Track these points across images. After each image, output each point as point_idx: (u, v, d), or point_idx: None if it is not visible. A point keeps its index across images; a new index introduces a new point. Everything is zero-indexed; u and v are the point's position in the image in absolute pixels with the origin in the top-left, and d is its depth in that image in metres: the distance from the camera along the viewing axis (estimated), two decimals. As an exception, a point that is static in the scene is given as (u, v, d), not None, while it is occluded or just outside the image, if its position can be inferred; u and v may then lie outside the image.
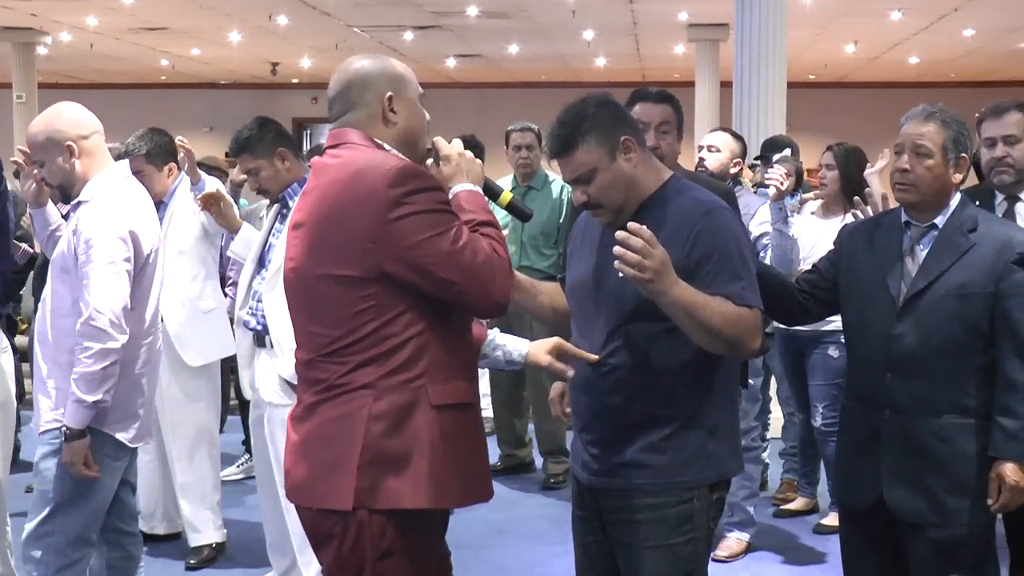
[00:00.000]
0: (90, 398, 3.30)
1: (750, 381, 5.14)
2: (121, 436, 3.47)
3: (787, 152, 6.08)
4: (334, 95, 2.61)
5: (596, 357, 2.70)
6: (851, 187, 5.14)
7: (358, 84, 2.59)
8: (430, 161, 2.69)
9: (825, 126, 16.60)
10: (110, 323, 3.31)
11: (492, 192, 2.77)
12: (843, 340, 5.05)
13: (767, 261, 4.79)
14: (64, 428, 3.33)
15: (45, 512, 3.43)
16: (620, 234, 2.47)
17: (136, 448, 3.66)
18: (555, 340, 2.76)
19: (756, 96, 7.70)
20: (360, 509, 2.42)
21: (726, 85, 11.09)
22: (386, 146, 2.56)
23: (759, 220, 5.04)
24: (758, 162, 6.45)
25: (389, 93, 2.57)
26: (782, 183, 4.60)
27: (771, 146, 6.35)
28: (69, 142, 3.46)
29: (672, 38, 15.06)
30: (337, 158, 2.54)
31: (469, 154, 2.68)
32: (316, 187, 2.55)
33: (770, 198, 4.68)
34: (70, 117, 3.51)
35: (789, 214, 4.76)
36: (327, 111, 2.65)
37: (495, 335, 2.76)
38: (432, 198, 2.45)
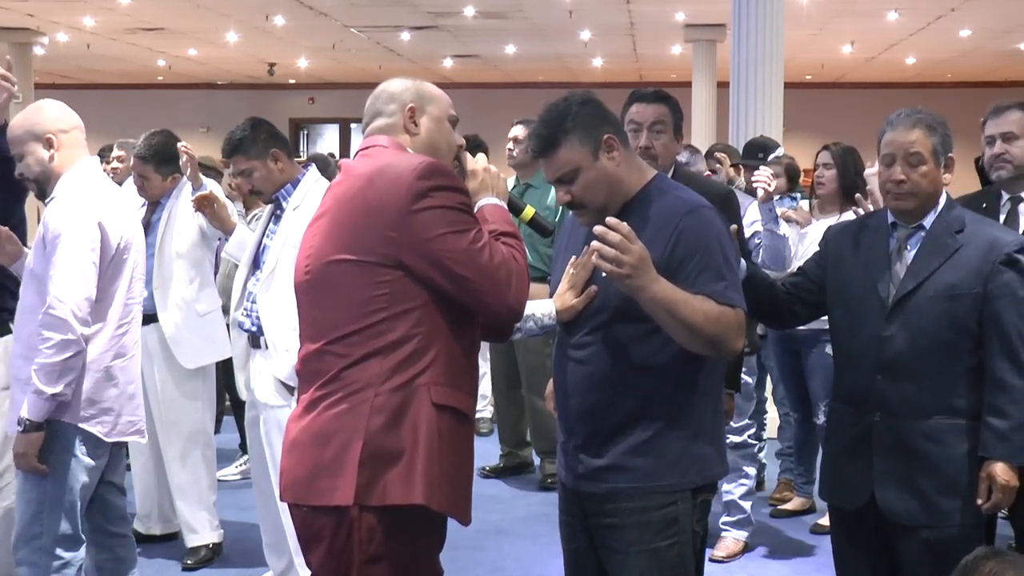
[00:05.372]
0: (49, 390, 3.25)
1: (747, 379, 5.17)
2: (95, 430, 3.43)
3: (779, 151, 6.10)
4: (366, 108, 2.69)
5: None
6: (848, 186, 5.16)
7: (385, 96, 2.68)
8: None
9: (822, 126, 16.62)
10: (71, 313, 3.27)
11: (515, 208, 2.80)
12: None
13: (758, 260, 4.83)
14: (25, 420, 3.29)
15: (30, 514, 3.39)
16: (598, 229, 2.48)
17: (120, 446, 3.62)
18: (569, 278, 2.76)
19: (753, 96, 7.70)
20: (355, 506, 2.41)
21: (723, 85, 11.10)
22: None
23: (749, 219, 5.07)
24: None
25: (411, 105, 2.64)
26: (769, 185, 4.66)
27: (752, 148, 6.35)
28: (49, 135, 3.47)
29: (669, 38, 15.06)
30: (366, 158, 2.59)
31: (494, 169, 2.71)
32: (341, 182, 2.60)
33: (759, 199, 4.74)
34: (52, 113, 3.53)
35: (781, 217, 4.82)
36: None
37: None
38: (456, 198, 2.48)
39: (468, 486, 2.59)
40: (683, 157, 4.99)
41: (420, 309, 2.45)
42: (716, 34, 14.04)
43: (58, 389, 3.27)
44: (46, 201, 3.51)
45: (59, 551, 3.40)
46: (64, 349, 3.26)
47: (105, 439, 3.47)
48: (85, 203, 3.41)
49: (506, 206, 2.70)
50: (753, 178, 4.86)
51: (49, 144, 3.46)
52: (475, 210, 2.61)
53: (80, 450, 3.41)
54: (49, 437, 3.33)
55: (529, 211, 2.87)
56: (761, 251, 4.88)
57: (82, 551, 3.49)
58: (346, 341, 2.46)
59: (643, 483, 2.66)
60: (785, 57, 7.93)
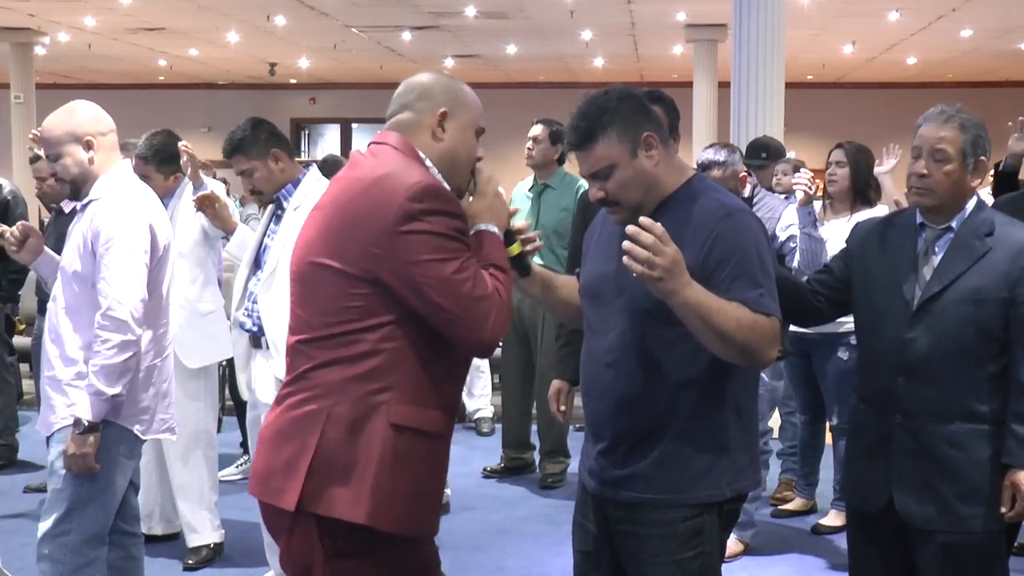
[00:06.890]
0: (110, 391, 3.31)
1: (776, 384, 5.17)
2: (135, 429, 3.48)
3: (791, 154, 6.09)
4: (396, 95, 2.60)
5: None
6: (860, 186, 5.16)
7: (419, 90, 2.58)
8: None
9: (823, 126, 16.64)
10: (130, 315, 3.34)
11: (507, 239, 2.70)
12: (852, 342, 5.12)
13: (794, 263, 4.83)
14: (84, 421, 3.32)
15: (61, 511, 3.42)
16: (631, 229, 2.37)
17: (142, 445, 3.66)
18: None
19: (754, 96, 7.69)
20: (304, 512, 2.39)
21: (724, 85, 11.11)
22: (428, 161, 2.53)
23: (785, 223, 5.07)
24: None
25: (444, 109, 2.54)
26: (810, 187, 4.67)
27: (754, 148, 6.34)
28: (88, 136, 3.50)
29: (670, 38, 15.06)
30: (374, 156, 2.53)
31: (503, 197, 2.63)
32: (344, 176, 2.55)
33: (798, 203, 4.75)
34: (90, 115, 3.57)
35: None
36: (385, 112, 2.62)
37: None
38: (448, 223, 2.40)
39: (431, 501, 2.51)
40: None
41: (391, 325, 2.40)
42: (717, 34, 14.04)
43: (118, 390, 3.33)
44: (81, 202, 3.54)
45: (86, 550, 3.43)
46: (125, 350, 3.33)
47: (142, 437, 3.53)
48: (135, 206, 3.47)
49: (502, 236, 2.60)
50: (793, 181, 4.87)
51: (88, 146, 3.50)
52: (473, 231, 2.54)
53: (119, 450, 3.45)
54: None
55: (516, 248, 2.72)
56: (797, 255, 4.85)
57: (105, 550, 3.52)
58: (315, 344, 2.45)
59: (669, 495, 2.59)
60: (786, 57, 7.93)
